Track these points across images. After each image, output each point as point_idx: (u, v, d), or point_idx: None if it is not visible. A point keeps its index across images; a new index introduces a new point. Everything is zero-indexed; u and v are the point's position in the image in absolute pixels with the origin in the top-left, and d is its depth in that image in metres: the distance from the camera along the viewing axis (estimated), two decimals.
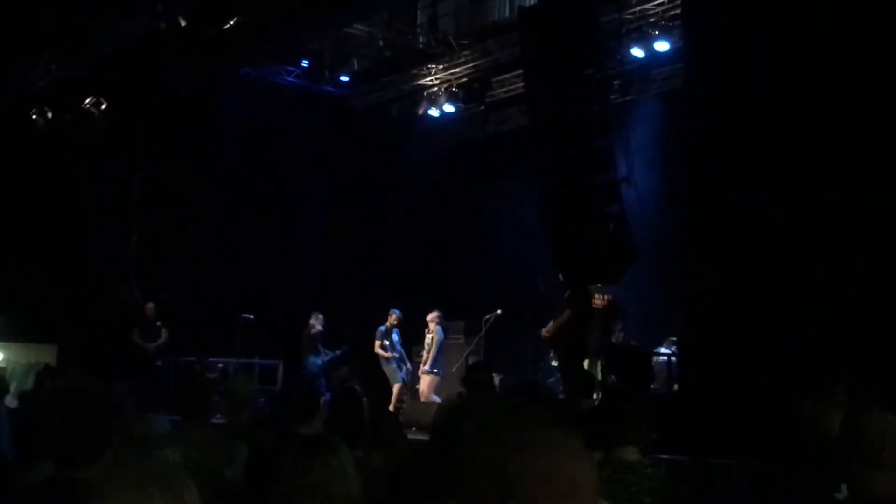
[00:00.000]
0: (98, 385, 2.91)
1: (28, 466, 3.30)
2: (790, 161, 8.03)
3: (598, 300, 10.83)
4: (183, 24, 12.70)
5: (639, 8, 13.65)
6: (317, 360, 14.91)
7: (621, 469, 3.64)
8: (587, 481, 1.65)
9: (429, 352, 13.94)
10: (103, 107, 15.17)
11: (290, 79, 17.21)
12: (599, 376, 9.87)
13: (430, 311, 14.27)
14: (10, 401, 9.82)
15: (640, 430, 3.76)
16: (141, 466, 2.42)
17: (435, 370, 13.89)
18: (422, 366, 13.94)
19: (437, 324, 14.04)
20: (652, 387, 10.39)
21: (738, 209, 8.36)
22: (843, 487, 3.56)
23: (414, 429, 11.90)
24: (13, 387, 10.81)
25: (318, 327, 15.15)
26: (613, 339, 11.62)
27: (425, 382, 13.76)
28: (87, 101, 15.21)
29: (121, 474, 2.53)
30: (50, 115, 15.64)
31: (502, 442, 1.66)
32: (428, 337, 14.11)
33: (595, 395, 8.18)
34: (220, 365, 15.12)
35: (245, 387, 5.41)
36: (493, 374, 9.29)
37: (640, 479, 3.62)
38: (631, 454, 3.70)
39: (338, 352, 15.17)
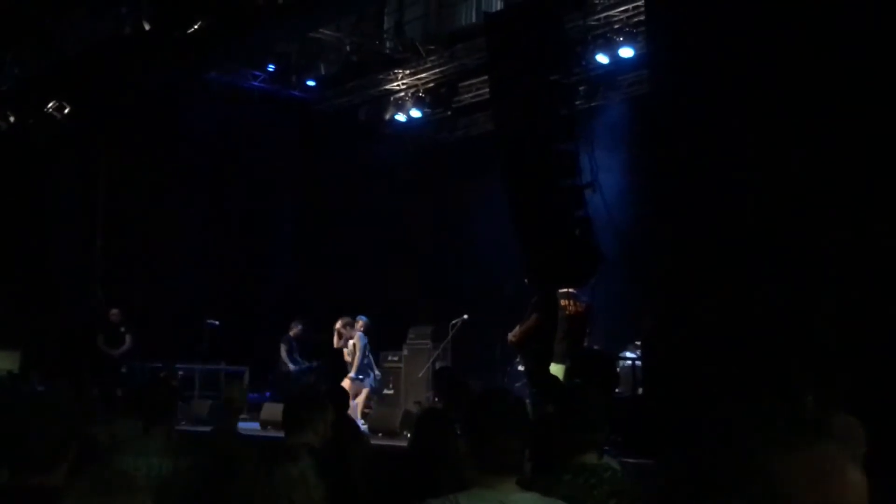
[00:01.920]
0: (59, 391, 2.90)
1: None
2: (755, 165, 8.12)
3: (571, 306, 10.85)
4: (147, 27, 12.61)
5: (603, 14, 13.74)
6: (296, 368, 14.90)
7: (582, 472, 3.67)
8: (859, 483, 1.73)
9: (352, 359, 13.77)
10: (66, 110, 15.04)
11: (256, 83, 17.16)
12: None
13: (400, 316, 14.28)
14: None
15: (598, 434, 3.79)
16: (97, 476, 2.42)
17: (360, 377, 13.60)
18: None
19: (360, 330, 13.94)
20: (617, 391, 10.45)
21: (703, 214, 8.44)
22: None
23: (381, 434, 11.90)
24: None
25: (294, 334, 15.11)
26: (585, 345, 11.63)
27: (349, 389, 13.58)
28: (51, 104, 15.07)
29: (77, 483, 2.52)
30: (12, 118, 15.48)
31: (776, 444, 1.74)
32: (350, 344, 13.85)
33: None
34: (181, 372, 15.04)
35: (240, 394, 5.39)
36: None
37: (601, 483, 3.64)
38: (591, 458, 3.73)
39: (314, 363, 15.10)
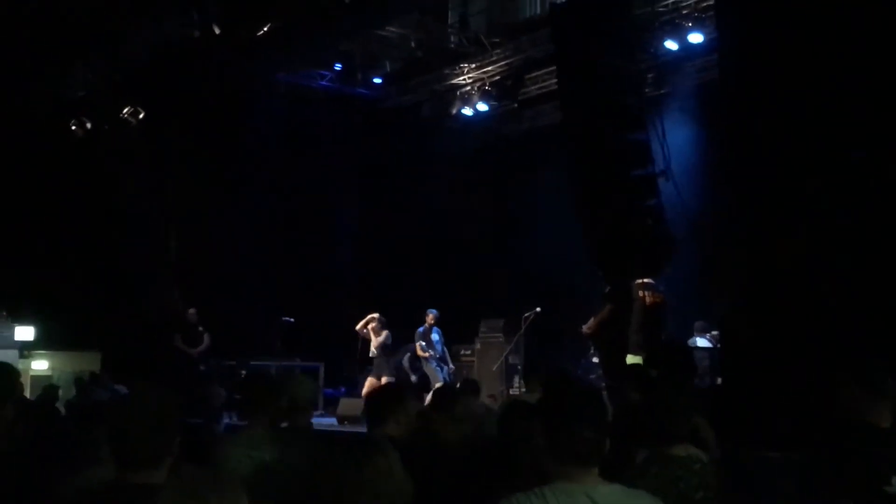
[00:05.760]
0: (165, 392, 2.95)
1: (87, 469, 3.35)
2: (829, 150, 7.94)
3: (648, 296, 10.73)
4: (217, 30, 12.79)
5: (671, 0, 13.56)
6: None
7: (669, 465, 3.62)
8: None
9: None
10: (141, 116, 15.32)
11: (323, 82, 17.29)
12: None
13: (471, 310, 14.21)
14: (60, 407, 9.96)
15: (687, 424, 3.73)
16: (193, 473, 2.46)
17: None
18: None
19: (385, 328, 13.97)
20: (694, 381, 10.30)
21: (778, 199, 8.28)
22: (894, 480, 3.52)
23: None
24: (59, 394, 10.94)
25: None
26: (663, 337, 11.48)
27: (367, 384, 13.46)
28: (126, 110, 15.36)
29: (174, 480, 2.57)
30: (88, 124, 15.82)
31: None
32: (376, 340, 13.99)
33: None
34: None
35: (308, 389, 5.38)
36: None
37: (689, 475, 3.59)
38: (679, 450, 3.67)
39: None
